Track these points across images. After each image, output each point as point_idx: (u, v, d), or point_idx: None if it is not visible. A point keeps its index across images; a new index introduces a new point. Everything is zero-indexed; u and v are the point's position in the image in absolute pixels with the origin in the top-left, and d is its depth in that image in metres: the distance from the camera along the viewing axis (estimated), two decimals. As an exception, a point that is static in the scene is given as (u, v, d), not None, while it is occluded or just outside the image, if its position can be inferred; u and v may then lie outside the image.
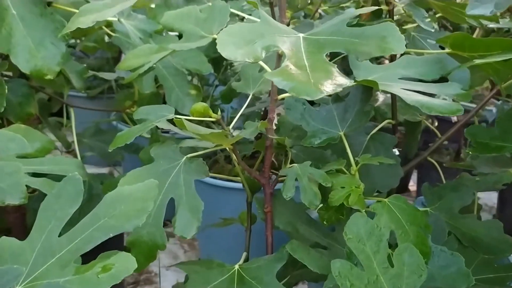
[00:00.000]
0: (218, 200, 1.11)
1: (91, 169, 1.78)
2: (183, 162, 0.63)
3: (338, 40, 0.51)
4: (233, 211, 0.96)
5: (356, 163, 0.65)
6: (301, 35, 0.54)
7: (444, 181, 0.92)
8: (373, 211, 0.58)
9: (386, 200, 0.59)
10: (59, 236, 0.47)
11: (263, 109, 1.29)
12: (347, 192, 0.60)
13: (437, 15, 1.14)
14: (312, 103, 0.71)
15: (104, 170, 1.82)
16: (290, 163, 0.70)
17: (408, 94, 0.60)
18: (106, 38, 1.63)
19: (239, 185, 1.04)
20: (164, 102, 1.30)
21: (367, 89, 0.68)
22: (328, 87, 0.40)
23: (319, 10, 1.40)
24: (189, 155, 0.64)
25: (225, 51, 0.46)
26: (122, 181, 0.63)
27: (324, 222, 0.64)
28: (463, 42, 0.70)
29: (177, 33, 1.28)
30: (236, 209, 0.98)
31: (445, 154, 1.84)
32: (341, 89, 0.41)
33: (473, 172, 0.86)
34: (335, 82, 0.41)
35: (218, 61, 1.56)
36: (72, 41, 1.77)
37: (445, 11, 0.93)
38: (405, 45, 0.47)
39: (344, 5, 1.32)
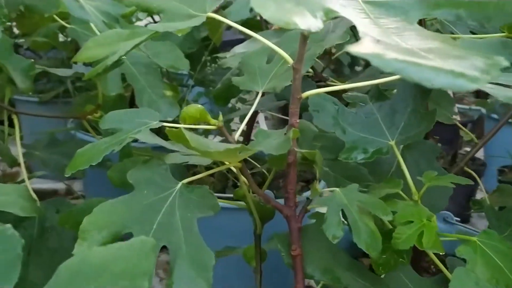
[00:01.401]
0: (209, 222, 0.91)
1: (45, 184, 1.54)
2: (177, 191, 0.43)
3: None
4: (225, 236, 0.78)
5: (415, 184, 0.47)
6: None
7: (486, 196, 0.76)
8: (460, 256, 0.40)
9: (475, 239, 0.41)
10: None
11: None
12: (418, 228, 0.42)
13: None
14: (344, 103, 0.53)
15: (60, 185, 1.58)
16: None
17: (493, 88, 0.43)
18: (61, 38, 1.41)
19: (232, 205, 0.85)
20: (131, 107, 1.10)
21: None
22: (490, 71, 0.22)
23: None
24: (185, 181, 0.44)
25: (268, 11, 0.27)
26: (87, 222, 0.42)
27: (380, 269, 0.46)
28: (526, 23, 0.54)
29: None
30: (228, 233, 0.80)
31: (438, 158, 1.71)
32: (497, 71, 0.23)
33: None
34: (484, 62, 0.23)
35: (194, 58, 1.36)
36: (22, 40, 1.54)
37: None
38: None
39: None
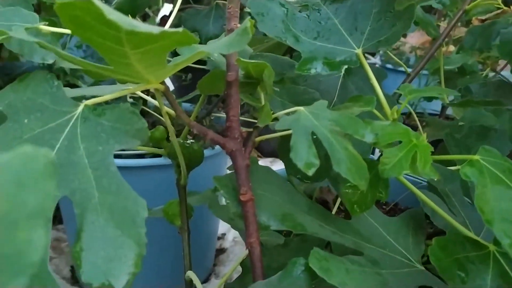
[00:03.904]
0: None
1: None
2: (79, 116, 0.29)
3: None
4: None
5: (389, 100, 0.38)
6: None
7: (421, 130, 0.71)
8: (466, 179, 0.32)
9: (478, 157, 0.33)
10: None
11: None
12: (409, 149, 0.32)
13: None
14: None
15: None
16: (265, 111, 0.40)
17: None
18: None
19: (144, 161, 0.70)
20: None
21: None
22: None
23: None
24: (90, 102, 0.30)
25: None
26: None
27: (355, 208, 0.36)
28: None
29: None
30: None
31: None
32: None
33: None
34: None
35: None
36: None
37: None
38: None
39: None
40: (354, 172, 0.31)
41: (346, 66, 0.38)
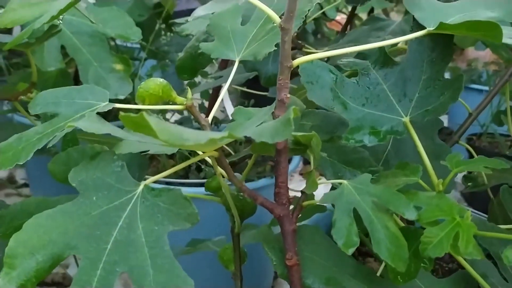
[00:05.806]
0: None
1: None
2: (139, 196, 0.32)
3: None
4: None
5: (442, 149, 0.38)
6: None
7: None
8: (507, 263, 0.32)
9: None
10: None
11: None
12: (452, 229, 0.33)
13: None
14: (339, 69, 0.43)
15: (2, 174, 1.43)
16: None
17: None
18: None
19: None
20: (76, 85, 0.97)
21: (442, 42, 0.40)
22: None
23: None
24: (148, 181, 0.33)
25: None
26: (15, 243, 0.31)
27: (399, 279, 0.37)
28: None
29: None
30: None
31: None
32: None
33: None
34: None
35: (145, 27, 1.22)
36: None
37: None
38: None
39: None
40: (393, 253, 0.32)
41: (390, 136, 0.39)
